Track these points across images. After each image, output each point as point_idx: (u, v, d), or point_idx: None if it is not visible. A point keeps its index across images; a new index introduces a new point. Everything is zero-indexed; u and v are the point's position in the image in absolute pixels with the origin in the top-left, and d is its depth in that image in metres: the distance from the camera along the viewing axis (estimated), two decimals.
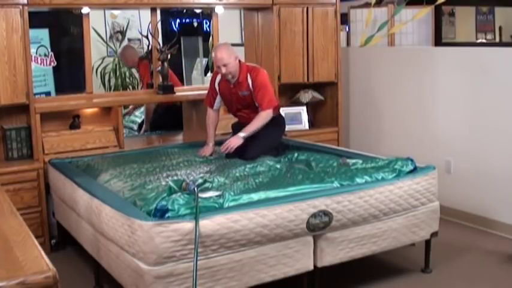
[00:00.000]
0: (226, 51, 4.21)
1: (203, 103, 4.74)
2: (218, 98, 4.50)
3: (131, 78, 7.23)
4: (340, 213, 3.28)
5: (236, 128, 4.49)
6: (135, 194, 3.33)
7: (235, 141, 4.19)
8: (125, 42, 7.26)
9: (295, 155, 4.30)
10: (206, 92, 4.66)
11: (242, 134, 4.21)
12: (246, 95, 4.33)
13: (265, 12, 5.31)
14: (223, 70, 4.21)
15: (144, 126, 5.97)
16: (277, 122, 4.44)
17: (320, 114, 5.71)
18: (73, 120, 4.65)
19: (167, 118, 5.79)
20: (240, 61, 4.34)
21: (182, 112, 5.48)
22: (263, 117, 4.27)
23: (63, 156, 4.39)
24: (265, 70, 4.49)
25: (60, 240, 4.37)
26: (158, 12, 5.29)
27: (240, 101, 4.39)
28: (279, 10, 5.20)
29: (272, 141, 4.40)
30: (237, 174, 3.70)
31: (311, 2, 5.33)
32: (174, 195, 2.99)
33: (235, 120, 4.67)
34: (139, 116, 6.18)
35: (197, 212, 2.86)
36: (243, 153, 4.18)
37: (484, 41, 7.76)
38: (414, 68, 5.22)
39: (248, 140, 4.23)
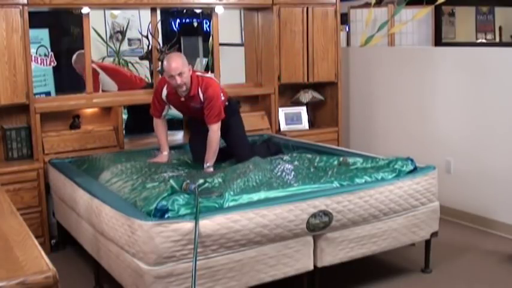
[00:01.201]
0: (181, 60, 3.99)
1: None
2: (166, 107, 4.29)
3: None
4: (340, 213, 3.28)
5: (191, 124, 4.48)
6: (135, 194, 3.32)
7: (210, 172, 3.95)
8: (125, 42, 7.28)
9: (295, 155, 4.29)
10: None
11: (208, 164, 4.03)
12: (198, 108, 4.13)
13: (265, 12, 5.31)
14: (178, 81, 3.94)
15: None
16: (231, 113, 4.31)
17: (320, 114, 5.71)
18: (73, 120, 4.65)
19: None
20: (192, 71, 4.12)
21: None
22: (215, 138, 4.06)
23: (63, 156, 4.39)
24: (215, 78, 4.45)
25: (60, 240, 4.37)
26: (158, 12, 5.28)
27: (192, 111, 4.22)
28: (279, 10, 5.20)
29: (242, 129, 4.40)
30: (237, 174, 3.69)
31: (311, 2, 5.33)
32: (174, 195, 2.99)
33: None
34: None
35: (197, 212, 2.86)
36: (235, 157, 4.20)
37: (484, 41, 7.76)
38: (414, 68, 5.22)
39: (226, 140, 4.28)
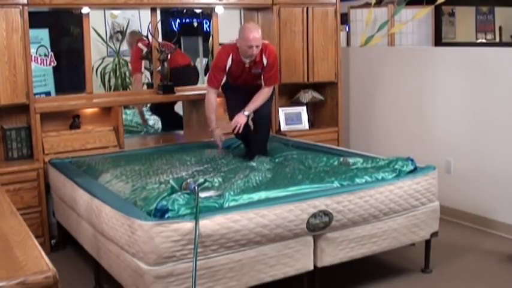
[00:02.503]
0: (260, 32, 4.21)
1: (204, 100, 4.62)
2: (224, 78, 4.44)
3: (131, 78, 7.23)
4: (340, 213, 3.28)
5: (232, 95, 4.50)
6: (135, 194, 3.32)
7: (242, 119, 4.25)
8: (125, 42, 7.26)
9: (295, 155, 4.29)
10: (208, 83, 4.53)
11: (246, 113, 4.28)
12: (258, 73, 4.36)
13: (265, 12, 5.31)
14: (255, 51, 4.19)
15: None
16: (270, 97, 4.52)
17: (320, 114, 5.71)
18: (73, 120, 4.65)
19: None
20: None
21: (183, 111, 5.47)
22: (265, 94, 4.35)
23: (63, 156, 4.39)
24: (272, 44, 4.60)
25: (60, 240, 4.37)
26: (158, 12, 5.29)
27: (248, 77, 4.39)
28: (279, 10, 5.20)
29: (267, 111, 4.52)
30: (237, 173, 3.69)
31: (311, 2, 5.33)
32: (174, 195, 2.99)
33: None
34: None
35: (197, 212, 2.86)
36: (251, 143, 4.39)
37: (484, 41, 7.76)
38: (414, 68, 5.22)
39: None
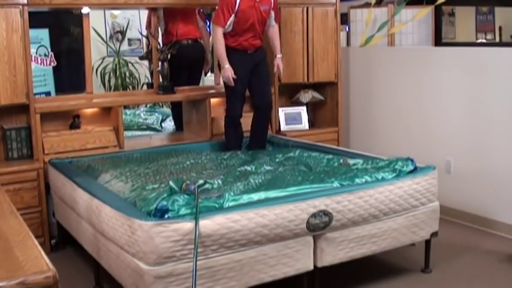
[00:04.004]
0: None
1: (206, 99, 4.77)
2: (231, 18, 4.41)
3: (131, 78, 7.24)
4: (340, 213, 3.28)
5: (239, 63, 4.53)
6: (135, 195, 3.33)
7: (281, 63, 4.75)
8: (125, 42, 7.28)
9: (294, 155, 4.29)
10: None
11: (279, 55, 4.75)
12: (266, 10, 4.52)
13: None
14: None
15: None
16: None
17: (320, 114, 5.71)
18: (73, 120, 4.65)
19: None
20: None
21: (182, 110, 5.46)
22: (278, 33, 4.80)
23: (63, 156, 4.39)
24: None
25: (60, 240, 4.37)
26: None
27: (257, 17, 4.48)
28: (279, 10, 5.20)
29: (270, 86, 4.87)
30: (238, 174, 3.70)
31: (311, 2, 5.33)
32: (174, 196, 2.99)
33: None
34: None
35: (197, 212, 2.86)
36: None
37: (484, 41, 7.76)
38: (414, 68, 5.21)
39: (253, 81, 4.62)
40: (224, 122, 4.70)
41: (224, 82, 4.52)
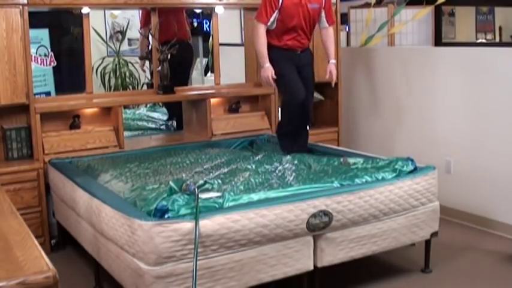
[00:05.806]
0: None
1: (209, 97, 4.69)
2: (275, 15, 4.16)
3: (131, 78, 7.24)
4: (340, 213, 3.28)
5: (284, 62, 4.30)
6: (135, 195, 3.33)
7: (334, 69, 4.42)
8: (125, 42, 7.27)
9: (295, 155, 4.29)
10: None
11: (333, 61, 4.43)
12: (315, 8, 4.20)
13: None
14: None
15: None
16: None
17: (320, 114, 5.70)
18: (73, 120, 4.65)
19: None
20: None
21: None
22: (333, 35, 4.43)
23: (63, 156, 4.38)
24: None
25: (60, 240, 4.37)
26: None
27: (304, 15, 4.20)
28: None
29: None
30: (238, 174, 3.69)
31: None
32: (174, 196, 2.99)
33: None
34: None
35: (197, 212, 2.86)
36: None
37: (484, 41, 7.77)
38: (414, 68, 5.22)
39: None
40: (278, 125, 4.62)
41: (264, 83, 4.30)
